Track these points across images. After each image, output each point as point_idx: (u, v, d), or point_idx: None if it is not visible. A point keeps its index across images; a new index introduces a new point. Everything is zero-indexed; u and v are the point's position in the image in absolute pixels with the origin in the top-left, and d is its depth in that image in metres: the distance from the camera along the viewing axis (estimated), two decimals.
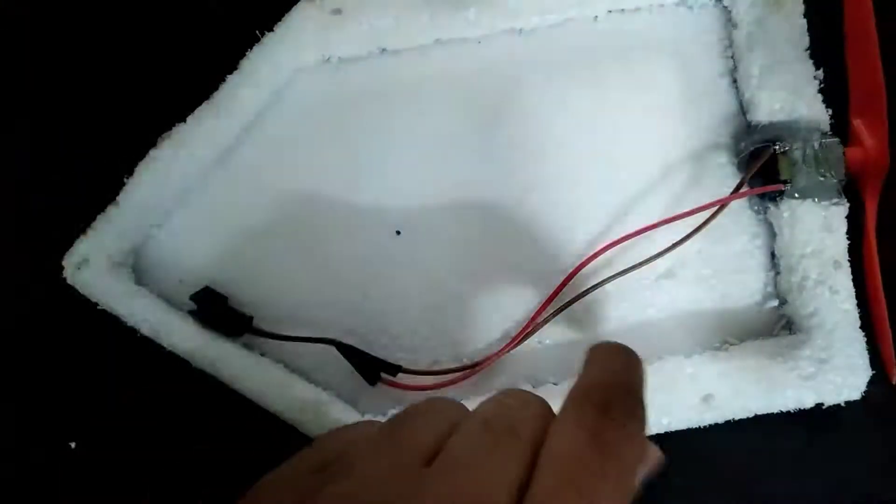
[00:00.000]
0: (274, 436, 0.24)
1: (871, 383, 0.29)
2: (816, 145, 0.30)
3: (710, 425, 0.30)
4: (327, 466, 0.22)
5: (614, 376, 0.22)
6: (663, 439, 0.30)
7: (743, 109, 0.32)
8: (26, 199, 0.33)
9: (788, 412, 0.30)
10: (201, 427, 0.31)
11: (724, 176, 0.32)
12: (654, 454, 0.27)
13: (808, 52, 0.31)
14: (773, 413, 0.30)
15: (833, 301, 0.29)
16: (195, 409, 0.31)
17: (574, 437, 0.20)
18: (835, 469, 0.30)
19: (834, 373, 0.28)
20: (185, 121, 0.31)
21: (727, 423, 0.30)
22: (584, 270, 0.31)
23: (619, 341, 0.25)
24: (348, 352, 0.31)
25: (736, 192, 0.30)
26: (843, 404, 0.29)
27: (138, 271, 0.32)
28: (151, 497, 0.31)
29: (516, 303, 0.32)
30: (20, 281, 0.32)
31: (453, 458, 0.20)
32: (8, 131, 0.34)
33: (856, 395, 0.28)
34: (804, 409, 0.30)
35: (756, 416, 0.30)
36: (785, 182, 0.30)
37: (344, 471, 0.21)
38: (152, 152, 0.31)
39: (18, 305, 0.33)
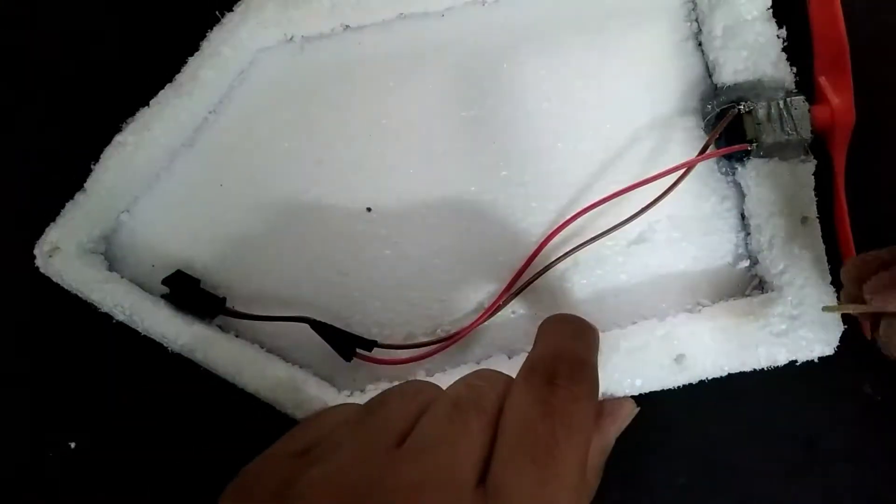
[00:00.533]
0: (274, 436, 0.24)
1: (872, 381, 0.30)
2: (781, 104, 0.30)
3: (712, 425, 0.30)
4: (308, 451, 0.22)
5: (559, 345, 0.23)
6: (665, 438, 0.30)
7: (709, 72, 0.32)
8: (26, 199, 0.33)
9: (789, 414, 0.30)
10: (201, 427, 0.31)
11: (693, 140, 0.32)
12: (627, 408, 0.28)
13: (771, 10, 0.31)
14: (774, 413, 0.30)
15: (803, 258, 0.29)
16: (195, 409, 0.31)
17: (523, 407, 0.21)
18: (835, 469, 0.30)
19: (805, 329, 0.28)
20: (148, 105, 0.31)
21: (730, 427, 0.30)
22: (555, 240, 0.31)
23: (584, 310, 0.26)
24: (322, 329, 0.31)
25: (701, 153, 0.30)
26: (843, 407, 0.30)
27: (111, 258, 0.32)
28: (151, 497, 0.31)
29: (489, 274, 0.32)
30: (20, 281, 0.32)
31: (423, 437, 0.21)
32: (8, 131, 0.34)
33: (828, 350, 0.28)
34: (804, 410, 0.30)
35: (757, 417, 0.30)
36: (751, 142, 0.30)
37: (322, 455, 0.22)
38: (117, 137, 0.31)
39: (18, 306, 0.33)
